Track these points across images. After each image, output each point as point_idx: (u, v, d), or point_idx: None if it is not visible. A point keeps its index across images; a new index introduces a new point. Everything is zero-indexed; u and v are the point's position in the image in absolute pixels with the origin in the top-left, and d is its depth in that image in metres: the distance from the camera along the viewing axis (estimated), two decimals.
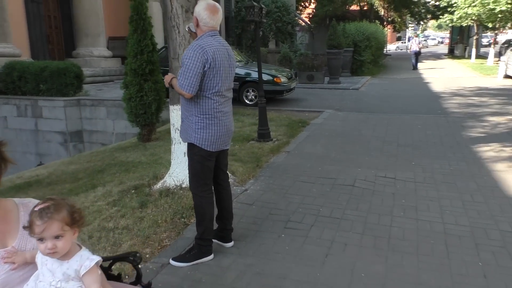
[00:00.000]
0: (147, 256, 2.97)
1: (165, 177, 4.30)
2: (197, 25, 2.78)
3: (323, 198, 4.02)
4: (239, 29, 19.85)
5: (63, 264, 1.39)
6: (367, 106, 10.15)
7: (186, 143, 2.87)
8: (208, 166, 2.85)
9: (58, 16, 14.06)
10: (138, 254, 1.73)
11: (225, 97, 2.84)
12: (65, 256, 1.39)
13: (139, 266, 1.76)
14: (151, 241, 3.16)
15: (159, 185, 4.23)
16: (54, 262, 1.39)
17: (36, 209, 1.36)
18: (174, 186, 4.11)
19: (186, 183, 3.93)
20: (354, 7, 33.02)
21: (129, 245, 3.07)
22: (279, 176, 4.67)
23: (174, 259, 2.88)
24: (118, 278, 1.74)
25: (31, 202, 1.54)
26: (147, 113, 6.24)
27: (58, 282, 1.38)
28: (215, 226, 3.11)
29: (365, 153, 5.63)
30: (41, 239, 1.34)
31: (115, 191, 4.13)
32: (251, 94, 9.78)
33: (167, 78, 2.89)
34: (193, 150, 2.82)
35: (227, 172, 3.14)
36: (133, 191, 4.14)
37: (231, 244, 3.12)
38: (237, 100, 9.85)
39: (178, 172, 4.13)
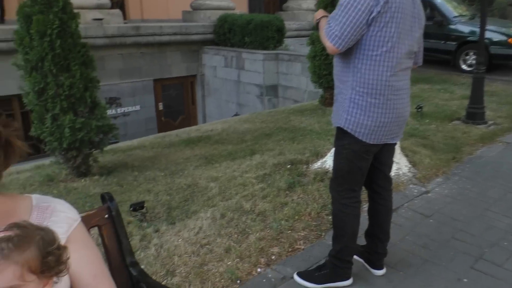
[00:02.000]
0: (273, 257, 2.43)
1: (326, 156, 3.61)
2: None
3: None
4: None
5: None
6: None
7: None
8: (359, 167, 2.00)
9: None
10: None
11: (402, 64, 1.87)
12: None
13: None
14: (283, 239, 2.59)
15: (318, 164, 3.58)
16: None
17: None
18: None
19: None
20: None
21: (256, 238, 2.58)
22: (483, 180, 3.35)
23: (300, 274, 2.23)
24: None
25: (50, 208, 1.11)
26: (331, 74, 5.50)
27: None
28: (363, 241, 2.31)
29: None
30: None
31: (270, 163, 3.69)
32: (471, 58, 7.77)
33: (318, 13, 2.09)
34: (342, 141, 2.00)
35: (390, 176, 2.22)
36: (288, 166, 3.62)
37: (381, 272, 2.26)
38: (452, 64, 8.05)
39: None
